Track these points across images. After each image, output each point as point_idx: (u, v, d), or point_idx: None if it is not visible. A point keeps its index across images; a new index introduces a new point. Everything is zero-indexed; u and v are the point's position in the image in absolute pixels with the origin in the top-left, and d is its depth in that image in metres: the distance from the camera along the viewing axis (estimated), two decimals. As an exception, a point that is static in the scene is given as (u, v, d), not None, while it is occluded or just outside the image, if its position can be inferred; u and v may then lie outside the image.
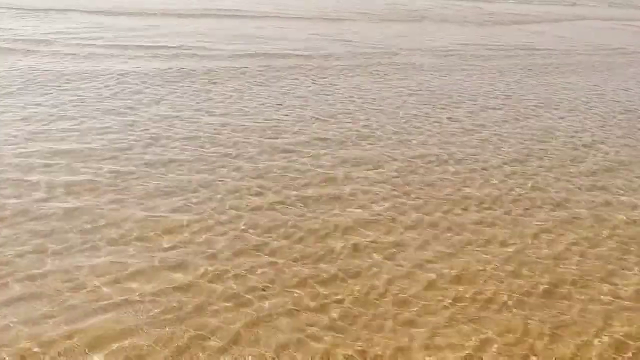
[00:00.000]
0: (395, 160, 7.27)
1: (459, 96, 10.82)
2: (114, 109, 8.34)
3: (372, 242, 5.25)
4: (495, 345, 4.01)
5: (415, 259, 5.03)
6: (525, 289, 4.72)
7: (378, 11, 22.30)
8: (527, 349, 4.01)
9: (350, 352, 3.84)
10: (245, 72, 11.23)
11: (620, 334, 4.26)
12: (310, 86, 10.65)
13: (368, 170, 6.87)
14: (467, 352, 3.93)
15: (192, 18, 17.45)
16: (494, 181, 6.87)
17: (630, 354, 4.06)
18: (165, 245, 4.90)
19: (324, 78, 11.33)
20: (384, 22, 19.93)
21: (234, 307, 4.19)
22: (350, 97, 10.11)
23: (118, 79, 10.00)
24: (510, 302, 4.51)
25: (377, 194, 6.26)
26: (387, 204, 6.03)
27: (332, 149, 7.44)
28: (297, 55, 13.17)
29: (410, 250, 5.17)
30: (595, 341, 4.15)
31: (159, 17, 17.02)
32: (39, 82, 9.35)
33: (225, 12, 18.89)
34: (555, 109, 10.46)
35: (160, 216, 5.37)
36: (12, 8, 16.18)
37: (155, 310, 4.06)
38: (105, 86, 9.51)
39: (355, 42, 15.55)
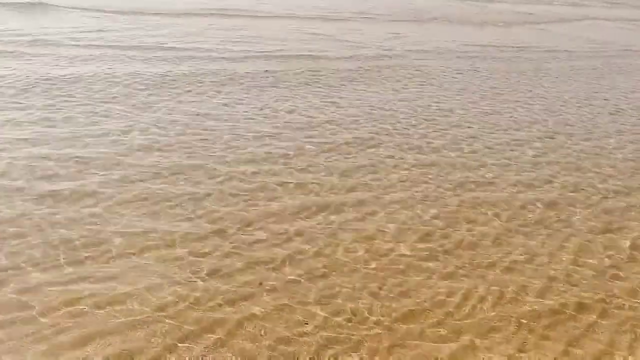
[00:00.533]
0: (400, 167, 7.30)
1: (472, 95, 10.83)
2: (98, 113, 8.26)
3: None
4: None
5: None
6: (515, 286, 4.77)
7: (383, 11, 22.21)
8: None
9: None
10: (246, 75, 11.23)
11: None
12: (311, 90, 10.52)
13: (368, 176, 6.84)
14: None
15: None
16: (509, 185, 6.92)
17: None
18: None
19: (327, 82, 11.18)
20: (389, 23, 19.81)
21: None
22: (355, 102, 10.01)
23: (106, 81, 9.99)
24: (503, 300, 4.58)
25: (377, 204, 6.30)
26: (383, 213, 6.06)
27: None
28: (297, 56, 13.13)
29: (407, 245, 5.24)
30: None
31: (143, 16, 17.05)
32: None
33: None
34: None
35: (145, 225, 5.40)
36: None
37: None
38: (94, 89, 9.41)
39: (358, 43, 15.50)
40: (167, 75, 10.55)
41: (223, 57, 12.40)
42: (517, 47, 17.00)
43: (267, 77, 11.08)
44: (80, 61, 11.14)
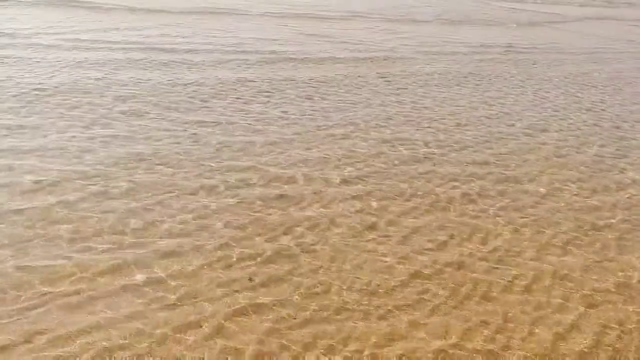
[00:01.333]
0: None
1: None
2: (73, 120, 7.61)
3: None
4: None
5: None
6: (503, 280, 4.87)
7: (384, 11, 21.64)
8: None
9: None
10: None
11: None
12: (313, 95, 9.94)
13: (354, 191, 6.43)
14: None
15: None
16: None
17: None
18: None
19: (326, 89, 10.46)
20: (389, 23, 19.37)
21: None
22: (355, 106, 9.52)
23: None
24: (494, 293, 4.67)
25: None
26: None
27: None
28: (291, 58, 12.54)
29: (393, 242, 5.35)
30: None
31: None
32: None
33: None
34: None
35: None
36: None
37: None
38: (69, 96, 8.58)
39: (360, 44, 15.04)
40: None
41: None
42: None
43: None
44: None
